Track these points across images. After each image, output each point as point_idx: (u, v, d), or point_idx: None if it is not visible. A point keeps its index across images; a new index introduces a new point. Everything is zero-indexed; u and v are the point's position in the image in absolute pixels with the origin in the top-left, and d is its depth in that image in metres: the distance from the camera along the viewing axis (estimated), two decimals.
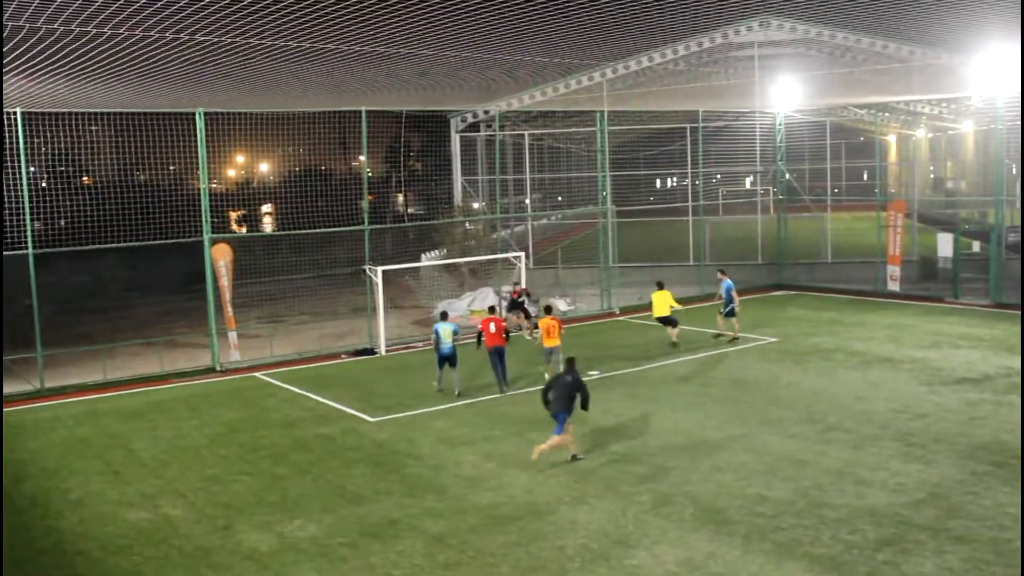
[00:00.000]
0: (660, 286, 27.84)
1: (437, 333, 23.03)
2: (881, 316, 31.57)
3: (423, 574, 12.56)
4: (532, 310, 30.78)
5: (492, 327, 22.97)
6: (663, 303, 27.48)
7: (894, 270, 36.28)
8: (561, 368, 21.58)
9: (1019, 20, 24.86)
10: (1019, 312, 29.37)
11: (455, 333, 22.99)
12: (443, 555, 13.13)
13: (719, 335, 28.45)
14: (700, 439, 18.20)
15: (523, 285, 31.72)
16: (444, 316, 24.25)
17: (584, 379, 17.20)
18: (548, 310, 24.82)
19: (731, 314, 28.07)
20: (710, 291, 36.44)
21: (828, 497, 14.73)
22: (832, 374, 23.44)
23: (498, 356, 22.83)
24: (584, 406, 17.06)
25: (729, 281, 28.25)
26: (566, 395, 16.82)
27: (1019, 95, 30.85)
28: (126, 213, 27.25)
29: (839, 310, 33.28)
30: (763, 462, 16.62)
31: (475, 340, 23.68)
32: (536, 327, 27.70)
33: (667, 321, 27.62)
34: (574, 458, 17.05)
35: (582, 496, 15.28)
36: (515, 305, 30.87)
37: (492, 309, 25.99)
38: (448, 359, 22.85)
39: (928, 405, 19.98)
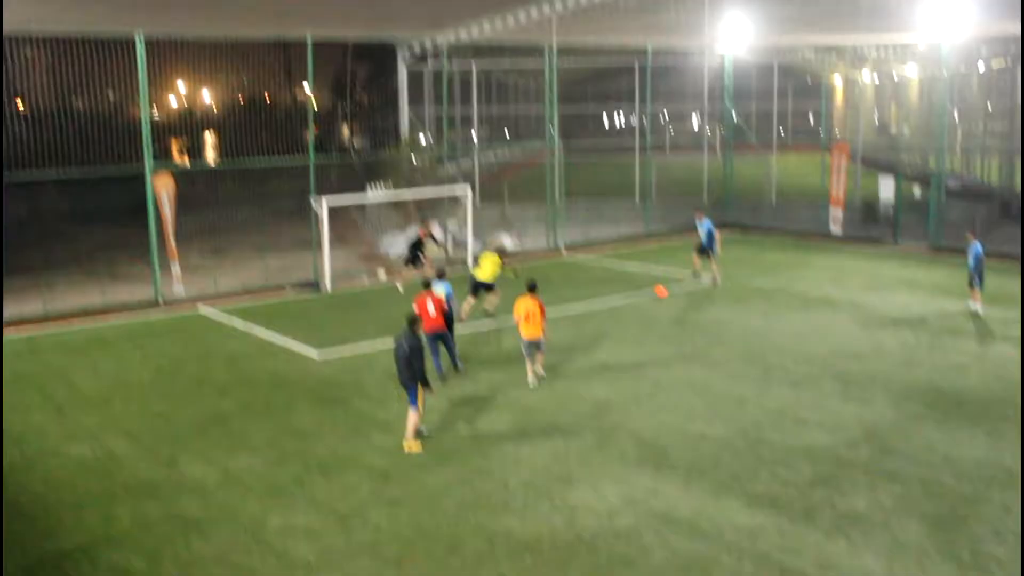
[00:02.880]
0: (497, 251, 24.11)
1: None
2: (823, 258, 32.07)
3: (368, 509, 12.68)
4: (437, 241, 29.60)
5: (431, 307, 18.14)
6: (491, 266, 23.48)
7: (836, 213, 36.74)
8: (539, 369, 18.65)
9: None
10: (957, 257, 29.97)
11: (450, 298, 19.42)
12: (388, 491, 13.26)
13: (696, 273, 28.00)
14: (642, 378, 18.45)
15: (433, 227, 29.27)
16: (441, 275, 20.61)
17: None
18: (532, 288, 18.48)
19: (705, 253, 27.81)
20: (656, 229, 36.78)
21: (767, 435, 15.08)
22: (773, 315, 23.83)
23: (440, 341, 18.52)
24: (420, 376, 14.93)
25: (709, 221, 28.11)
26: (403, 365, 14.89)
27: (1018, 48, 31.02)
28: (64, 142, 26.56)
29: (782, 252, 33.74)
30: (704, 401, 16.94)
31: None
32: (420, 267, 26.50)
33: (489, 287, 23.56)
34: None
35: (525, 432, 15.46)
36: (416, 247, 27.45)
37: (427, 285, 19.22)
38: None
39: (866, 347, 20.44)
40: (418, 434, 15.09)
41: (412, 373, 14.78)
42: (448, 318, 18.60)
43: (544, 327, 18.14)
